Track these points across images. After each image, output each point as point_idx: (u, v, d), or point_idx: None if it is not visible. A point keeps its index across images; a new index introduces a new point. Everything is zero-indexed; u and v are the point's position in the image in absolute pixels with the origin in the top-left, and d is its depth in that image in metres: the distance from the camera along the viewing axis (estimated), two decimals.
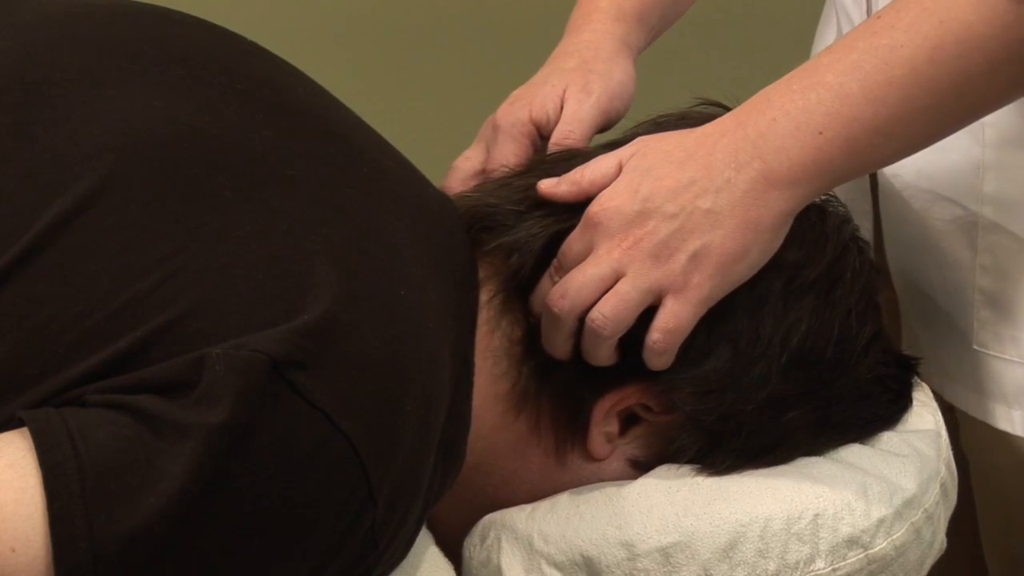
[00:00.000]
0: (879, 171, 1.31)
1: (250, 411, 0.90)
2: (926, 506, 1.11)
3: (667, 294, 1.05)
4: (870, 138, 1.04)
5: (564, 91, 1.20)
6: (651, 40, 1.31)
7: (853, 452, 1.12)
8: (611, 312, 1.05)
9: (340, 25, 2.23)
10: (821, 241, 1.11)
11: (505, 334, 1.09)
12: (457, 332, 1.04)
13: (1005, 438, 1.27)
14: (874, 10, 1.32)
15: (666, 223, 1.04)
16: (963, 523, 1.29)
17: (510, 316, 1.10)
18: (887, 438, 1.15)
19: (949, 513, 1.15)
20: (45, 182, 0.96)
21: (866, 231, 1.32)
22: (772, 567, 1.06)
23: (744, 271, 1.06)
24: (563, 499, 1.10)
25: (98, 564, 0.87)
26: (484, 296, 1.10)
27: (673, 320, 1.05)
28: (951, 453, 1.17)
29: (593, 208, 1.06)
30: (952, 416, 1.30)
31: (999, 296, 1.25)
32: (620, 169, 1.08)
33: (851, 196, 1.32)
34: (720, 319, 1.07)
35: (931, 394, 1.22)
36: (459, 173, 1.21)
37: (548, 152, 1.19)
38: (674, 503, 1.07)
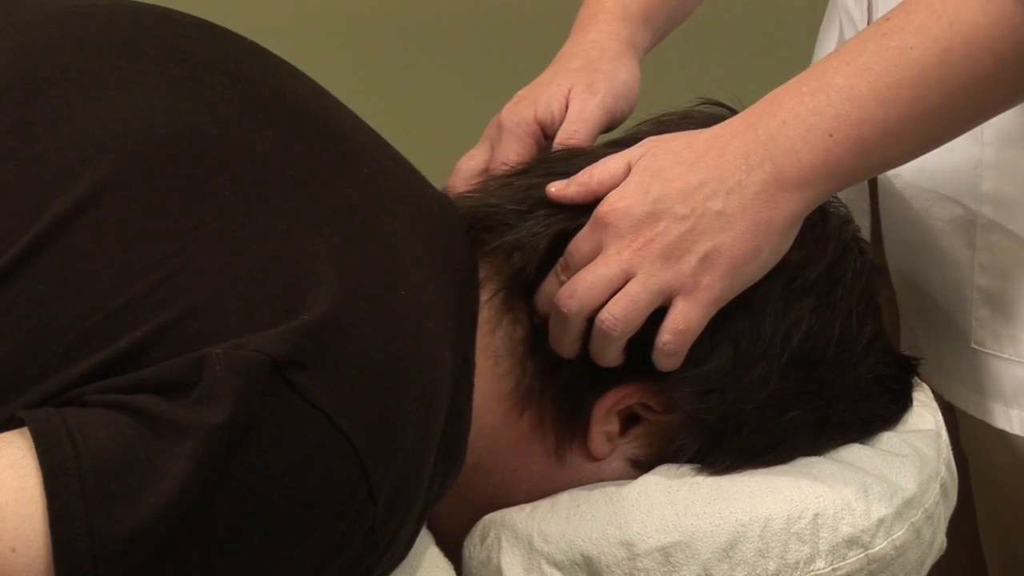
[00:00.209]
0: None
1: (250, 411, 0.90)
2: (926, 506, 1.11)
3: (677, 295, 1.05)
4: (880, 140, 1.04)
5: (569, 91, 1.20)
6: (657, 40, 1.31)
7: (853, 452, 1.12)
8: (621, 313, 1.05)
9: (340, 25, 2.23)
10: (822, 241, 1.11)
11: (507, 333, 1.09)
12: (457, 332, 1.04)
13: (1004, 437, 1.27)
14: (875, 10, 1.32)
15: (677, 224, 1.04)
16: (963, 523, 1.29)
17: (511, 315, 1.10)
18: (887, 438, 1.15)
19: (949, 513, 1.15)
20: (45, 182, 0.96)
21: (865, 230, 1.32)
22: (772, 567, 1.06)
23: (754, 273, 1.06)
24: (563, 498, 1.10)
25: (98, 564, 0.87)
26: (484, 296, 1.10)
27: (684, 321, 1.05)
28: (951, 453, 1.17)
29: (603, 208, 1.06)
30: (952, 416, 1.30)
31: (998, 295, 1.25)
32: (629, 170, 1.07)
33: (850, 195, 1.32)
34: (721, 319, 1.07)
35: (931, 394, 1.22)
36: (463, 173, 1.21)
37: (552, 152, 1.19)
38: (674, 502, 1.07)
